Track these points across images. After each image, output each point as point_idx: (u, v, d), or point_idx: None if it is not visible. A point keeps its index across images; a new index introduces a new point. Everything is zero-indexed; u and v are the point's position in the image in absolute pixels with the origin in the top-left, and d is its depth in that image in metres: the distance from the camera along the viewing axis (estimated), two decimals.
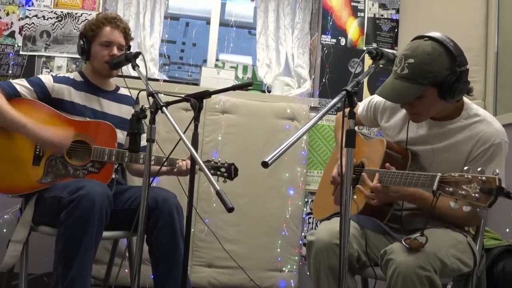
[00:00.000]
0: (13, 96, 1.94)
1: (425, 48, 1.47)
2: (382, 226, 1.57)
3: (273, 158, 1.00)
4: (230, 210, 1.23)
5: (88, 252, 1.71)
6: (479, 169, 1.17)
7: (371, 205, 1.58)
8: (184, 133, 1.55)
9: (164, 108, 1.59)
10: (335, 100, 1.23)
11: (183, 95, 2.87)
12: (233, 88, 1.70)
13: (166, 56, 3.29)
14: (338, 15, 3.03)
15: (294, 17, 3.17)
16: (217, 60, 3.28)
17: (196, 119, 1.69)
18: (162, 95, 2.73)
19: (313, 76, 3.05)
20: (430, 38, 1.50)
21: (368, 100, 1.87)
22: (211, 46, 3.25)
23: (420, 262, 1.33)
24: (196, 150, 1.69)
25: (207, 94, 1.71)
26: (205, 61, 3.37)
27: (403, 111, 1.71)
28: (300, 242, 2.84)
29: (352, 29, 3.03)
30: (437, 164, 1.60)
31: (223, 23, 3.41)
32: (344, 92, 1.25)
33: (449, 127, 1.60)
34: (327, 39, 3.01)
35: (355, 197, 1.67)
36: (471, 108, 1.59)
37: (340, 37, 3.02)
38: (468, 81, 1.50)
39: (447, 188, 1.24)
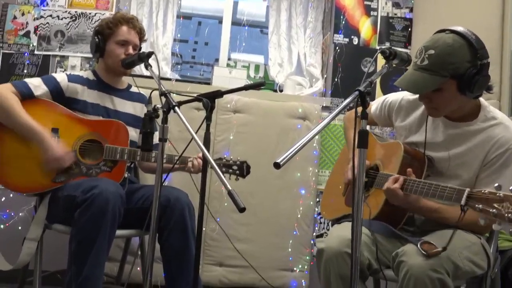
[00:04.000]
0: (27, 96, 1.97)
1: (446, 40, 1.46)
2: (395, 231, 1.55)
3: (285, 159, 1.00)
4: (241, 210, 1.23)
5: (101, 252, 1.72)
6: (511, 188, 1.15)
7: (386, 210, 1.56)
8: (196, 132, 1.55)
9: (176, 107, 1.59)
10: (347, 100, 1.23)
11: (195, 95, 2.90)
12: (245, 88, 1.71)
13: (179, 55, 3.30)
14: (351, 14, 3.01)
15: (307, 16, 3.15)
16: (229, 59, 3.28)
17: (208, 118, 1.70)
18: (174, 94, 2.77)
19: (325, 76, 3.03)
20: (452, 31, 1.49)
21: (382, 99, 1.85)
22: (223, 45, 3.25)
23: (432, 264, 1.32)
24: (208, 149, 1.70)
25: (219, 94, 1.71)
26: (217, 60, 3.37)
27: (419, 111, 1.69)
28: (312, 242, 2.83)
29: (365, 28, 3.01)
30: (453, 169, 1.58)
31: (235, 22, 3.41)
32: (357, 92, 1.24)
33: (465, 129, 1.57)
34: (340, 38, 2.99)
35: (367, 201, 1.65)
36: (488, 111, 1.57)
37: (352, 36, 3.00)
38: (488, 75, 1.48)
39: (476, 205, 1.22)
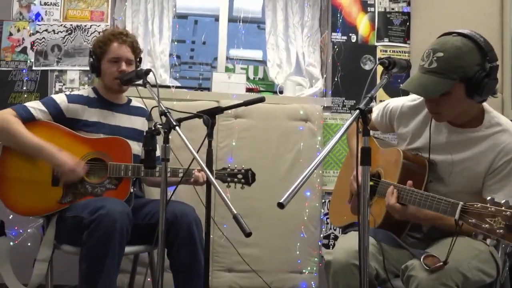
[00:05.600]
0: (28, 119, 1.97)
1: (455, 43, 1.44)
2: (399, 241, 1.55)
3: (289, 198, 1.00)
4: (247, 235, 1.23)
5: (112, 272, 1.74)
6: (503, 201, 1.14)
7: (389, 219, 1.56)
8: (198, 150, 1.55)
9: (177, 127, 1.59)
10: (349, 121, 1.21)
11: (195, 101, 2.89)
12: (245, 104, 1.70)
13: (176, 57, 3.29)
14: (348, 11, 2.97)
15: (303, 15, 3.13)
16: (227, 58, 3.26)
17: (209, 135, 1.70)
18: (174, 102, 2.78)
19: (325, 75, 3.01)
20: (459, 34, 1.47)
21: (384, 106, 1.83)
22: (221, 43, 3.23)
23: (442, 278, 1.32)
24: (211, 167, 1.71)
25: (219, 110, 1.71)
26: (215, 59, 3.36)
27: (420, 116, 1.68)
28: (319, 243, 2.84)
29: (363, 24, 2.98)
30: (456, 175, 1.57)
31: (232, 19, 3.39)
32: (357, 111, 1.23)
33: (469, 136, 1.56)
34: (338, 36, 2.96)
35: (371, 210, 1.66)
36: (492, 117, 1.55)
37: (350, 34, 2.97)
38: (497, 79, 1.47)
39: (470, 220, 1.22)
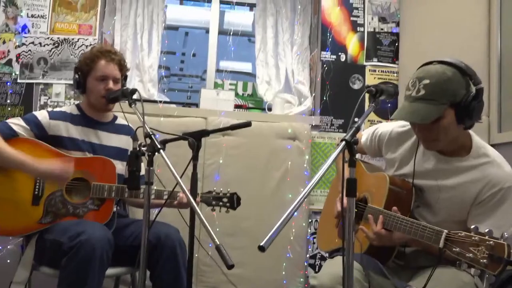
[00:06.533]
0: (10, 136, 1.92)
1: (438, 69, 1.46)
2: (384, 271, 1.54)
3: (269, 241, 0.98)
4: (230, 267, 1.20)
5: None
6: (486, 230, 1.14)
7: (375, 246, 1.55)
8: (182, 175, 1.53)
9: (161, 151, 1.56)
10: (335, 153, 1.20)
11: (183, 117, 2.86)
12: (231, 128, 1.68)
13: (166, 68, 3.27)
14: (338, 31, 2.98)
15: (293, 32, 3.13)
16: (217, 71, 3.25)
17: (194, 158, 1.68)
18: (162, 119, 2.75)
19: (313, 94, 3.01)
20: (440, 62, 1.48)
21: (372, 131, 1.83)
22: (211, 57, 3.23)
23: None
24: (195, 192, 1.68)
25: (206, 133, 1.69)
26: (205, 71, 3.34)
27: (409, 143, 1.68)
28: (305, 263, 2.81)
29: (352, 44, 2.99)
30: (443, 202, 1.57)
31: (222, 32, 3.39)
32: (343, 143, 1.21)
33: (457, 165, 1.56)
34: (327, 55, 2.97)
35: (357, 236, 1.64)
36: (479, 147, 1.56)
37: (340, 53, 2.98)
38: (483, 101, 1.47)
39: (453, 248, 1.21)
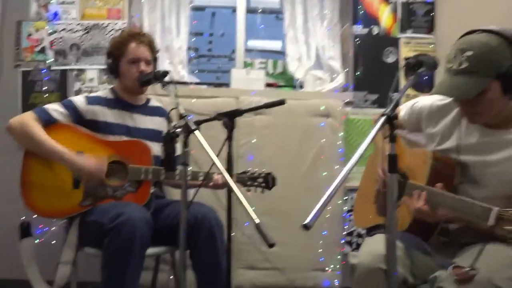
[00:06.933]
0: (49, 122, 1.98)
1: (482, 39, 1.38)
2: (427, 249, 1.50)
3: (314, 219, 0.96)
4: (270, 246, 1.20)
5: (133, 278, 1.74)
6: None
7: (416, 222, 1.51)
8: (218, 154, 1.53)
9: (196, 132, 1.56)
10: (376, 128, 1.16)
11: (214, 97, 2.86)
12: (265, 106, 1.67)
13: (194, 50, 3.26)
14: (369, 2, 2.88)
15: (323, 7, 3.04)
16: (246, 50, 3.21)
17: (229, 138, 1.67)
18: (193, 100, 2.76)
19: (346, 69, 2.94)
20: (483, 30, 1.40)
21: (411, 104, 1.76)
22: (239, 36, 3.18)
23: None
24: (231, 172, 1.68)
25: (239, 112, 1.68)
26: (233, 51, 3.32)
27: (450, 116, 1.61)
28: (342, 240, 2.80)
29: (385, 16, 2.88)
30: (490, 177, 1.50)
31: (250, 10, 3.33)
32: (384, 118, 1.17)
33: (503, 137, 1.48)
34: (359, 29, 2.88)
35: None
36: None
37: (372, 26, 2.88)
38: None
39: (505, 227, 1.16)
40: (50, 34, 2.82)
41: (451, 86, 1.41)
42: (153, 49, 2.15)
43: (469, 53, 1.37)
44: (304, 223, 0.96)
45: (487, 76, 1.36)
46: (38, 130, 1.93)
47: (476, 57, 1.37)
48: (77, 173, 1.95)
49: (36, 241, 2.68)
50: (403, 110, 1.80)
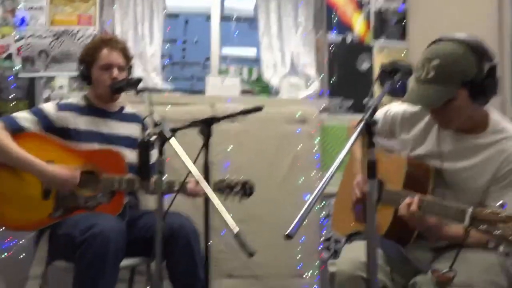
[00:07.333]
0: (17, 131, 1.90)
1: (447, 48, 1.40)
2: (405, 255, 1.51)
3: (295, 228, 0.94)
4: (251, 255, 1.18)
5: None
6: None
7: (394, 229, 1.52)
8: (194, 162, 1.50)
9: (171, 140, 1.52)
10: (355, 135, 1.16)
11: (189, 105, 2.82)
12: (242, 113, 1.65)
13: (168, 57, 3.22)
14: (343, 10, 2.91)
15: (297, 15, 3.06)
16: (220, 57, 3.19)
17: (206, 146, 1.64)
18: (168, 107, 2.71)
19: (321, 76, 2.96)
20: (450, 39, 1.43)
21: (384, 112, 1.78)
22: (213, 43, 3.16)
23: None
24: (209, 180, 1.65)
25: (216, 119, 1.65)
26: (207, 59, 3.29)
27: (423, 122, 1.63)
28: (320, 247, 2.80)
29: (358, 24, 2.92)
30: (462, 182, 1.53)
31: (224, 18, 3.32)
32: (362, 124, 1.17)
33: (474, 142, 1.51)
34: (333, 36, 2.91)
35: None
36: (497, 122, 1.51)
37: (346, 33, 2.91)
38: (497, 78, 1.42)
39: (480, 226, 1.17)
40: (17, 40, 2.73)
41: (419, 95, 1.43)
42: (126, 56, 2.10)
43: (435, 62, 1.40)
44: (286, 233, 0.95)
45: (454, 84, 1.39)
46: (5, 139, 1.85)
47: (442, 66, 1.39)
48: (48, 183, 1.88)
49: (3, 255, 2.59)
50: (376, 117, 1.81)
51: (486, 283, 1.35)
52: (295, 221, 0.97)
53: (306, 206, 1.00)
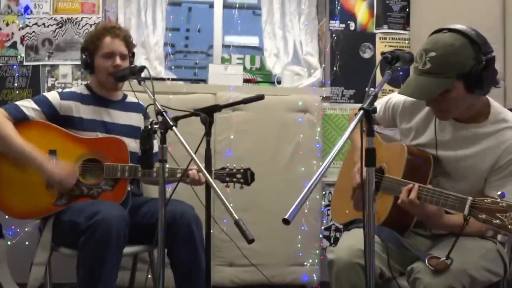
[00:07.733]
0: (21, 119, 1.92)
1: (446, 40, 1.41)
2: (403, 243, 1.52)
3: (293, 213, 0.96)
4: (250, 242, 1.20)
5: (110, 277, 1.71)
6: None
7: (393, 216, 1.53)
8: (196, 151, 1.51)
9: (174, 128, 1.54)
10: (354, 122, 1.17)
11: (192, 93, 2.83)
12: (244, 101, 1.65)
13: (171, 46, 3.21)
14: None
15: (300, 2, 3.05)
16: (223, 46, 3.19)
17: (207, 134, 1.65)
18: (170, 96, 2.72)
19: (323, 65, 2.96)
20: (449, 30, 1.43)
21: (386, 100, 1.79)
22: (216, 32, 3.15)
23: (449, 281, 1.29)
24: (210, 168, 1.67)
25: (217, 108, 1.66)
26: (211, 47, 3.28)
27: (423, 112, 1.64)
28: (320, 235, 2.82)
29: (361, 12, 2.90)
30: (462, 171, 1.54)
31: (226, 6, 3.31)
32: (362, 112, 1.18)
33: (474, 132, 1.52)
34: (336, 24, 2.89)
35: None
36: (498, 112, 1.52)
37: (349, 21, 2.90)
38: (495, 70, 1.43)
39: (479, 216, 1.19)
40: (21, 28, 2.74)
41: (415, 86, 1.44)
42: (129, 44, 2.10)
43: (432, 54, 1.40)
44: (285, 217, 0.96)
45: (450, 76, 1.39)
46: (8, 129, 1.86)
47: (439, 58, 1.39)
48: (47, 180, 1.89)
49: (8, 243, 2.62)
50: (377, 106, 1.82)
51: (482, 270, 1.37)
52: (293, 206, 0.98)
53: (304, 192, 1.01)
